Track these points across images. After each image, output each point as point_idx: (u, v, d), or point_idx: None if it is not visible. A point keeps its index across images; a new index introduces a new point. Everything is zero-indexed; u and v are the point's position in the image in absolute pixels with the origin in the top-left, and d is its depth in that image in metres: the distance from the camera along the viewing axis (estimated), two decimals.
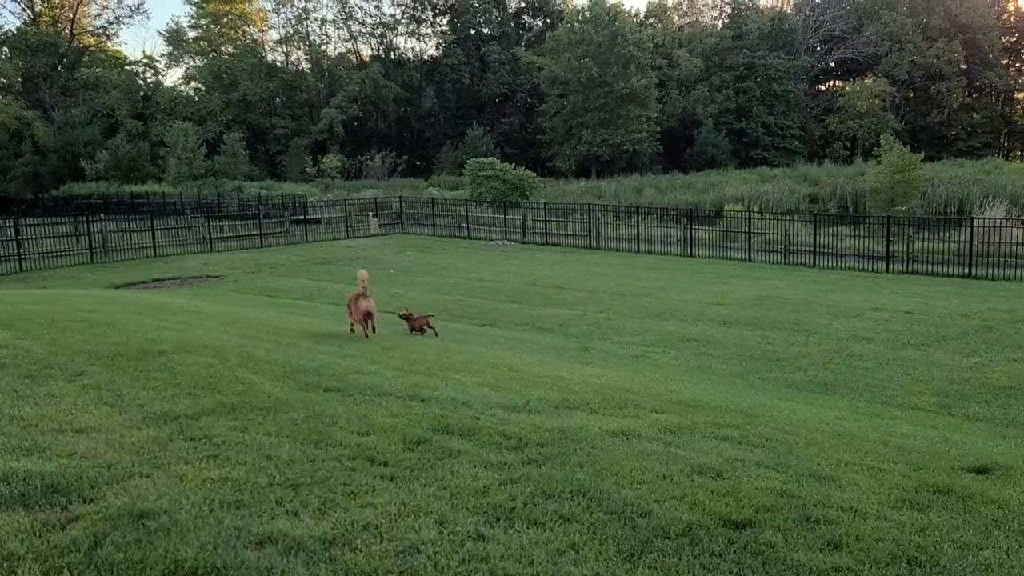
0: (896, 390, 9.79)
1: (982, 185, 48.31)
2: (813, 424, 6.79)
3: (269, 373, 7.49)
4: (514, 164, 42.26)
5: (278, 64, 79.83)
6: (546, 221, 30.81)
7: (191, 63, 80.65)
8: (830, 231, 25.77)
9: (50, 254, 25.26)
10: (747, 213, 26.19)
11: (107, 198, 51.29)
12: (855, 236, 25.31)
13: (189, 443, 4.92)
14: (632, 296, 17.98)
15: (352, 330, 11.11)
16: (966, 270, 20.89)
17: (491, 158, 42.39)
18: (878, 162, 33.11)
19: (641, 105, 71.10)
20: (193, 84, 78.63)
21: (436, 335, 11.58)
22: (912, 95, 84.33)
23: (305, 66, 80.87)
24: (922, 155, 47.76)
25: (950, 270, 21.08)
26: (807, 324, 14.01)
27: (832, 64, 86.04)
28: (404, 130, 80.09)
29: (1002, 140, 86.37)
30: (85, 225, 26.19)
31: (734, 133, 79.04)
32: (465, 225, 33.80)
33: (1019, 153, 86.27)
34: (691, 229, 26.44)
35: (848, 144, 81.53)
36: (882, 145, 31.81)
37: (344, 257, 27.43)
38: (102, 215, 28.68)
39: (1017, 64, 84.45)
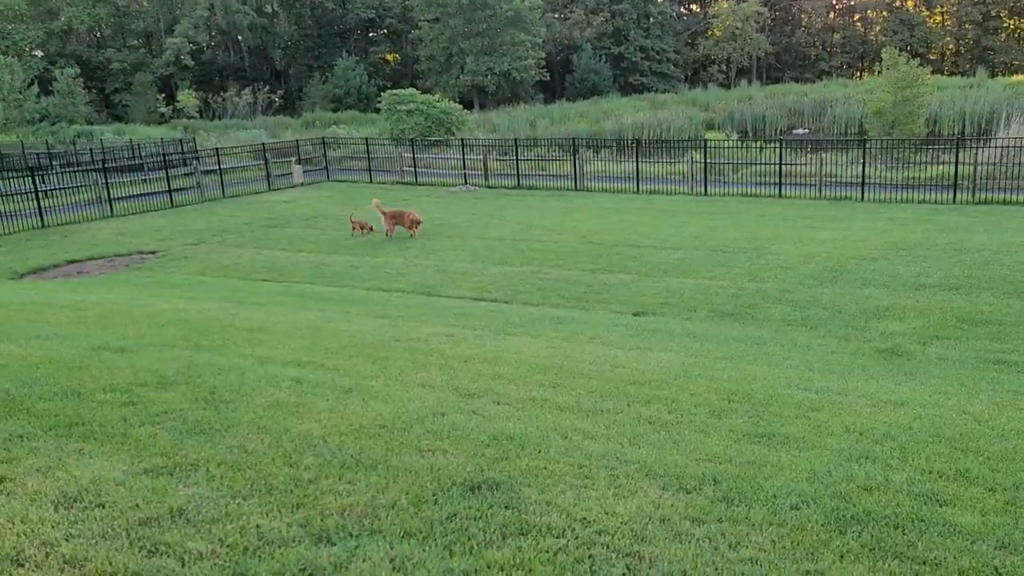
0: None
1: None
2: None
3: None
4: (437, 96, 37.41)
5: None
6: (518, 160, 26.62)
7: None
8: (839, 159, 23.40)
9: None
10: (777, 144, 23.32)
11: None
12: (856, 164, 22.92)
13: None
14: (740, 253, 14.70)
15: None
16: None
17: (410, 89, 37.19)
18: (875, 74, 30.95)
19: (525, 30, 66.83)
20: None
21: None
22: (776, 15, 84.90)
23: None
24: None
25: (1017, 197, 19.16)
26: None
27: None
28: (262, 62, 71.74)
29: (858, 60, 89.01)
30: None
31: (613, 58, 76.45)
32: (411, 169, 28.97)
33: (877, 72, 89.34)
34: (705, 164, 23.26)
35: (723, 67, 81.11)
36: (884, 59, 29.47)
37: (292, 216, 22.33)
38: None
39: None
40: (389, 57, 79.77)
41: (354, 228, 18.97)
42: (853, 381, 6.92)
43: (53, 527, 3.74)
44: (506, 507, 3.98)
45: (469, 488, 4.19)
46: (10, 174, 23.87)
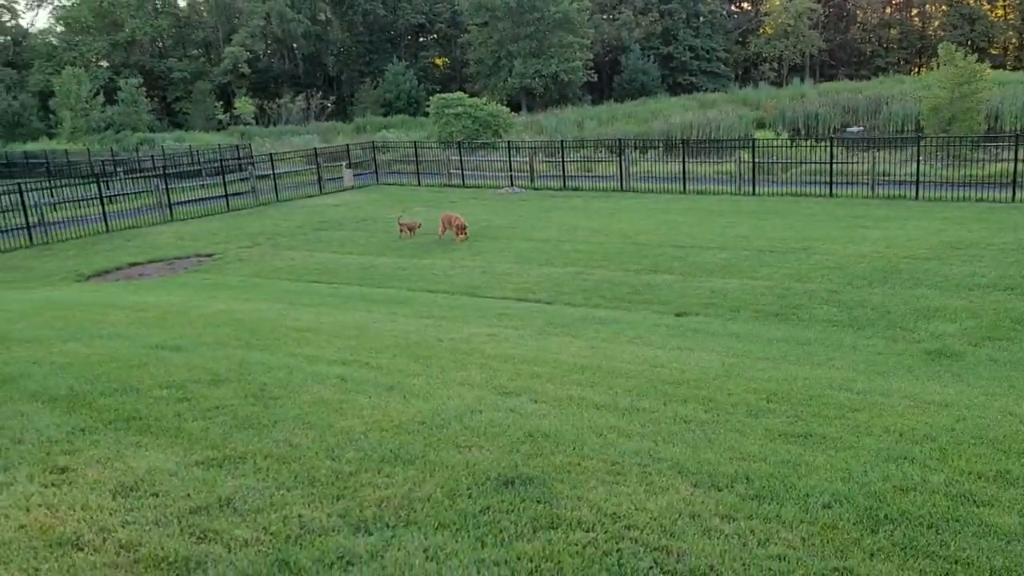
0: None
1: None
2: None
3: None
4: (485, 99, 37.69)
5: None
6: (564, 162, 26.70)
7: (58, 2, 70.44)
8: (893, 157, 22.85)
9: None
10: (828, 143, 22.96)
11: None
12: (911, 162, 22.36)
13: None
14: (788, 253, 14.59)
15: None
16: None
17: (458, 93, 37.57)
18: (932, 69, 30.23)
19: (573, 31, 66.79)
20: (64, 26, 68.68)
21: None
22: (829, 11, 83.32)
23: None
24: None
25: None
26: None
27: None
28: (315, 69, 73.06)
29: (915, 56, 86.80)
30: (18, 196, 20.38)
31: (662, 58, 75.89)
32: (458, 171, 29.28)
33: (935, 67, 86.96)
34: (753, 163, 23.05)
35: (775, 65, 79.89)
36: (940, 54, 28.74)
37: (343, 219, 22.76)
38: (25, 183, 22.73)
39: None
40: (438, 61, 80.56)
41: (402, 230, 19.30)
42: (897, 382, 6.86)
43: (111, 514, 3.96)
44: (538, 501, 4.08)
45: (503, 483, 4.31)
46: (77, 181, 24.80)
